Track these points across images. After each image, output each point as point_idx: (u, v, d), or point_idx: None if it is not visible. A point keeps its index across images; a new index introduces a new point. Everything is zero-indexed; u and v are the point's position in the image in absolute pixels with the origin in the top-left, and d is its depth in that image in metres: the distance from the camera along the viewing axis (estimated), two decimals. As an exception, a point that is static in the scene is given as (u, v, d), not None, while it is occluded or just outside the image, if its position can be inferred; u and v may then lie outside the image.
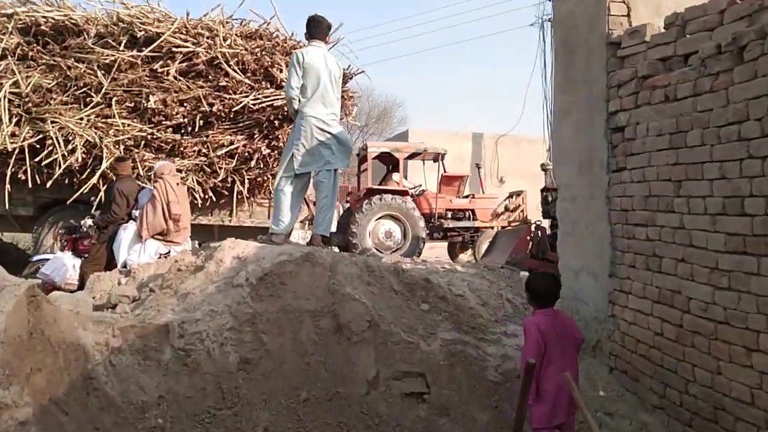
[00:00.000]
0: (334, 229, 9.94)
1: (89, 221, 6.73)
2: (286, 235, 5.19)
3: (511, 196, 11.01)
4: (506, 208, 10.62)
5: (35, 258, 7.62)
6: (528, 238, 7.76)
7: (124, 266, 6.12)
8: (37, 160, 7.44)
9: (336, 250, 10.47)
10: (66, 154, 7.31)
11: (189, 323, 3.90)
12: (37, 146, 7.52)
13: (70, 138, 7.43)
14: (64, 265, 6.60)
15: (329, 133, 5.20)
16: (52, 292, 6.80)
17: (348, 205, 10.74)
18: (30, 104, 7.52)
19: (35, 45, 7.86)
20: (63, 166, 7.31)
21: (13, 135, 7.42)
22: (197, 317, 3.98)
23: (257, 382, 3.84)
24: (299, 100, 5.16)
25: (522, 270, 7.61)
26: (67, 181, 7.64)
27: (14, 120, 7.48)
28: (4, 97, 7.41)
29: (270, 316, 4.10)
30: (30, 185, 7.64)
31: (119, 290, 4.41)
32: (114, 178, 6.95)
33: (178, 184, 6.63)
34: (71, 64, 7.69)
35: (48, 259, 7.02)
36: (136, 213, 6.49)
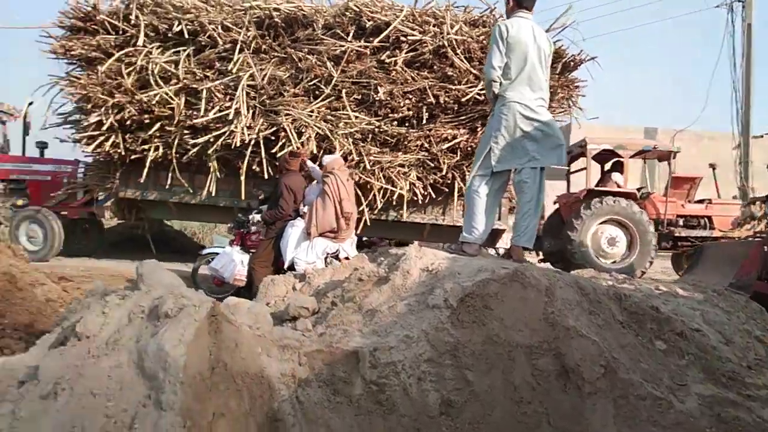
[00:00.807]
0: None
1: (257, 216, 6.49)
2: (480, 246, 4.37)
3: (753, 201, 9.27)
4: (752, 217, 8.94)
5: (205, 251, 7.60)
6: (758, 255, 6.29)
7: (291, 265, 5.79)
8: (272, 152, 7.50)
9: (540, 256, 9.53)
10: (300, 146, 7.29)
11: (381, 351, 3.21)
12: (272, 138, 7.56)
13: (302, 130, 7.40)
14: (233, 260, 6.44)
15: (536, 121, 4.26)
16: (221, 285, 6.73)
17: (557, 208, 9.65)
18: (265, 97, 7.56)
19: (267, 38, 7.88)
20: None
21: (248, 127, 7.49)
22: (390, 344, 3.27)
23: (463, 431, 3.08)
24: (500, 83, 4.31)
25: (747, 294, 6.19)
26: None
27: (250, 112, 7.56)
28: (243, 89, 7.47)
29: (474, 348, 3.30)
30: (262, 178, 7.77)
31: (298, 300, 3.86)
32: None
33: (348, 179, 6.14)
34: (302, 56, 7.64)
35: (217, 253, 6.91)
36: (303, 209, 6.11)
